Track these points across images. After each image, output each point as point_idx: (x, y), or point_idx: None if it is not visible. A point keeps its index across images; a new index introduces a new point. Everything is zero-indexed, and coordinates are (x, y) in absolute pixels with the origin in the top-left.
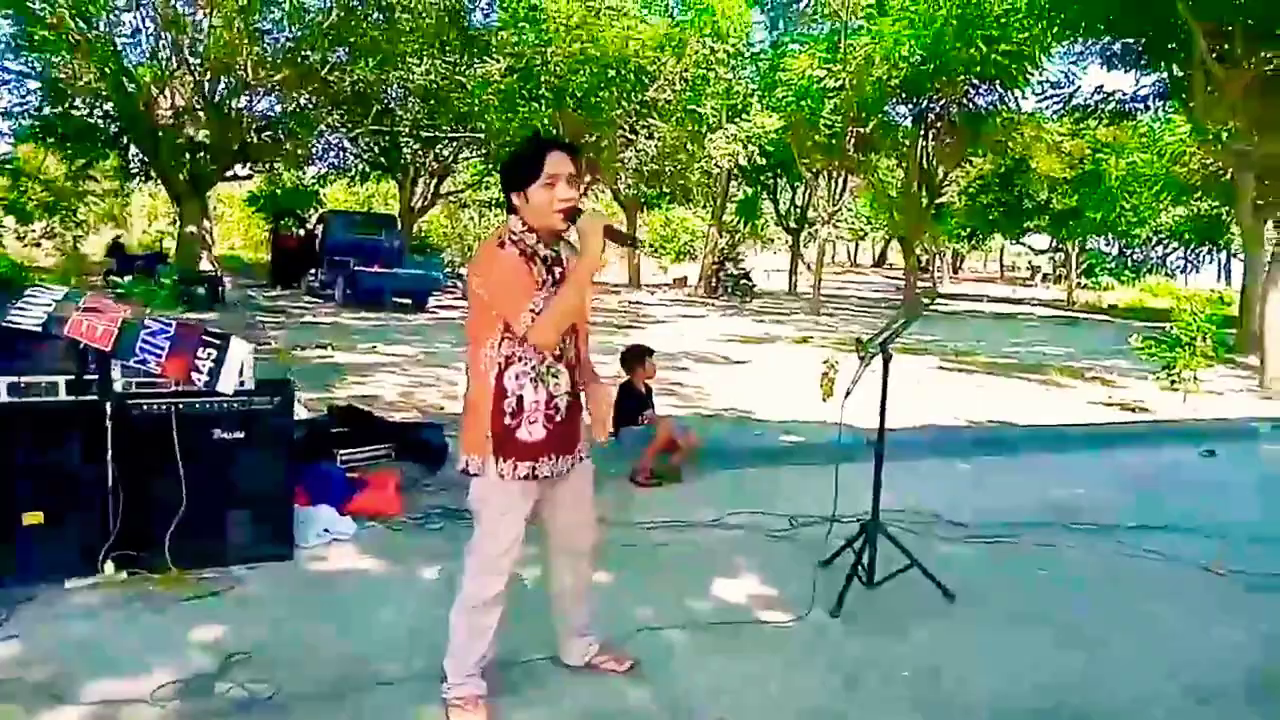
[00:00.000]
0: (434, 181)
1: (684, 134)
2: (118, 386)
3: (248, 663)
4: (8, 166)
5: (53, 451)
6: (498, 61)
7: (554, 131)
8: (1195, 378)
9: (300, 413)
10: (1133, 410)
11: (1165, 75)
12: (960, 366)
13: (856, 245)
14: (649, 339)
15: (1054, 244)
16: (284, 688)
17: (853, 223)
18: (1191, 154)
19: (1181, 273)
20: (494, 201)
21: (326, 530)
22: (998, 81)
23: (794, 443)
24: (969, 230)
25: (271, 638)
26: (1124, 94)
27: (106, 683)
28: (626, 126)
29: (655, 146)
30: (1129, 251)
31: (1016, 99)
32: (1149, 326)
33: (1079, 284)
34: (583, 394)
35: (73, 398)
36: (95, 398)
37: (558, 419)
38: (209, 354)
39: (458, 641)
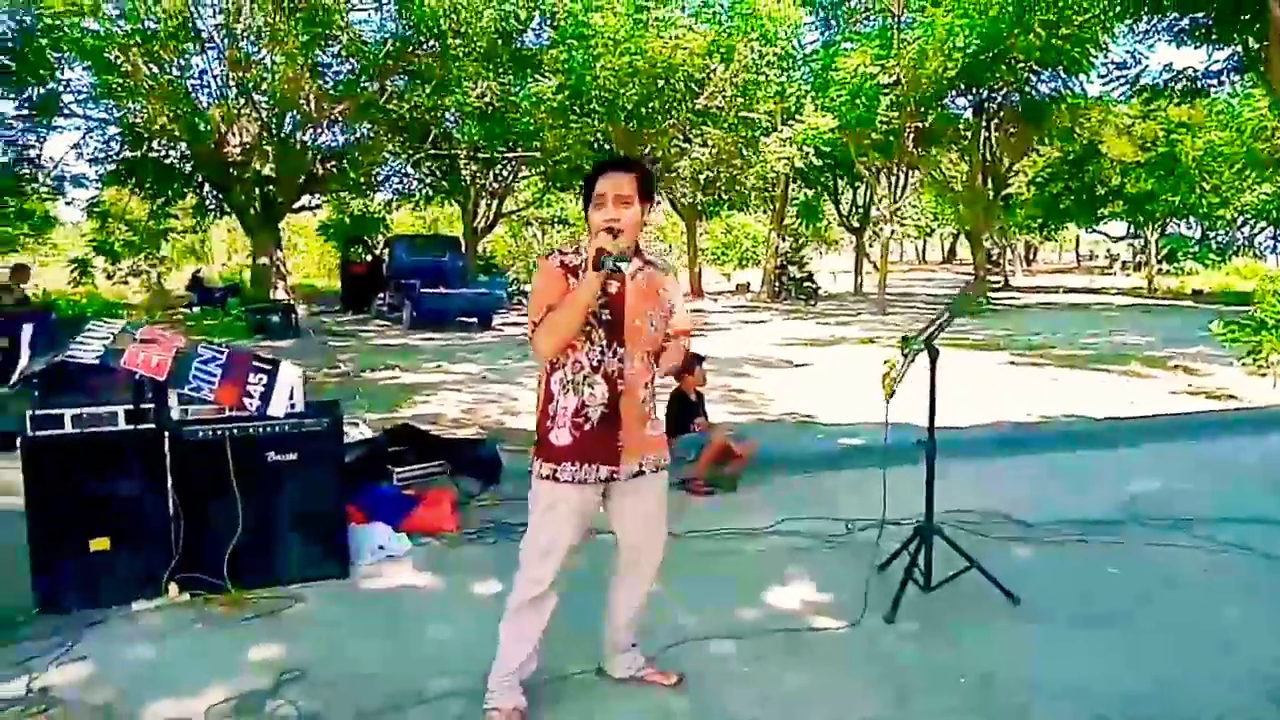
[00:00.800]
0: (495, 202)
1: (737, 140)
2: (174, 414)
3: (301, 680)
4: (96, 210)
5: (115, 479)
6: (549, 79)
7: (606, 147)
8: None
9: (363, 433)
10: (1218, 398)
11: (1239, 48)
12: (1033, 361)
13: (924, 242)
14: (711, 347)
15: (1131, 230)
16: (333, 705)
17: (918, 219)
18: (1274, 129)
19: (1272, 253)
20: (555, 219)
21: (382, 548)
22: (1060, 67)
23: (854, 445)
24: (1039, 221)
25: (324, 656)
26: (1195, 70)
27: (165, 702)
28: (680, 135)
29: (709, 154)
30: (1212, 234)
31: (1081, 83)
32: (1235, 311)
33: (1160, 270)
34: (631, 406)
35: (131, 427)
36: (152, 426)
37: (586, 427)
38: (259, 379)
39: (502, 647)
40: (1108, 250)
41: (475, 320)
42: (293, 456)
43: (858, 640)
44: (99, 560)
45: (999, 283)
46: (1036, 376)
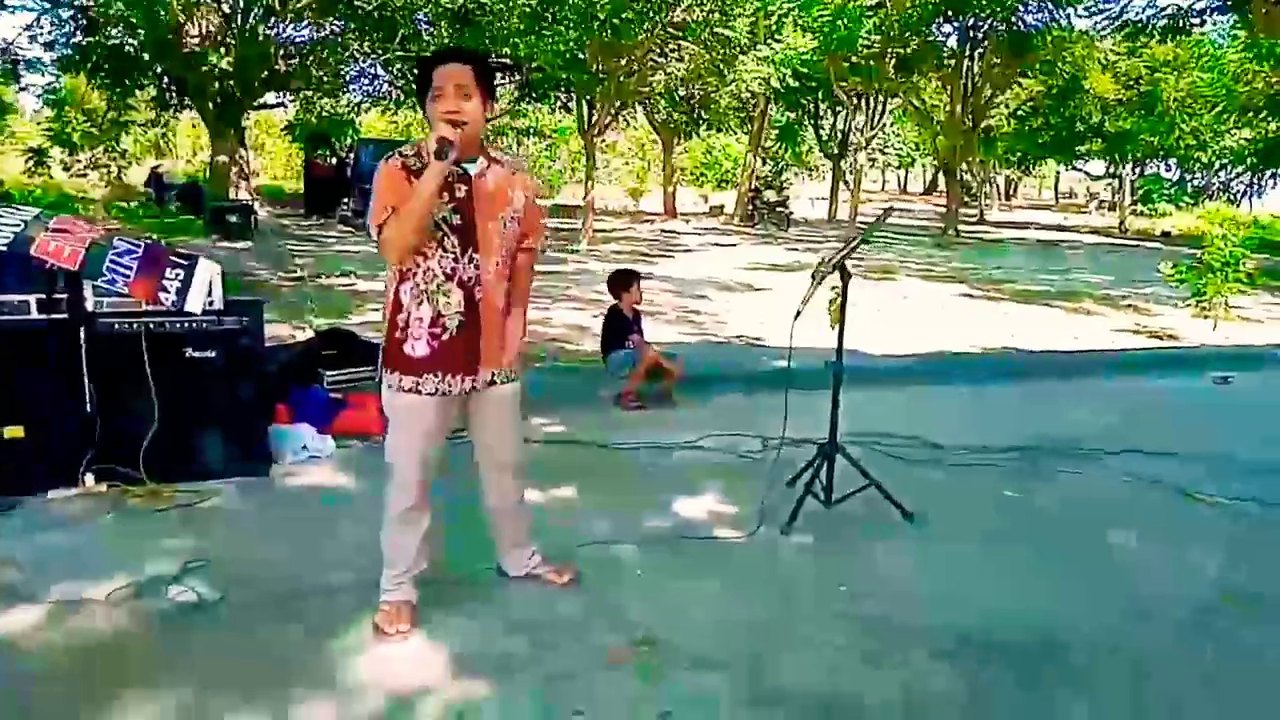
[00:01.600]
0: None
1: (714, 57)
2: (89, 306)
3: (205, 569)
4: (53, 98)
5: (30, 369)
6: None
7: (580, 56)
8: (1226, 304)
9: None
10: (1160, 338)
11: None
12: (989, 294)
13: (906, 172)
14: (676, 268)
15: (1110, 169)
16: (232, 592)
17: (899, 149)
18: (1255, 72)
19: (1245, 198)
20: (530, 130)
21: (305, 448)
22: None
23: (792, 368)
24: (1018, 155)
25: (232, 547)
26: (1179, 7)
27: (70, 584)
28: (656, 50)
29: (684, 69)
30: (1189, 176)
31: (1068, 15)
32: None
33: (1135, 210)
34: (489, 313)
35: (45, 316)
36: (65, 317)
37: (444, 337)
38: (176, 274)
39: (386, 553)
40: (1087, 188)
41: None
42: (211, 354)
43: (752, 550)
44: (13, 448)
45: (974, 217)
46: (989, 310)
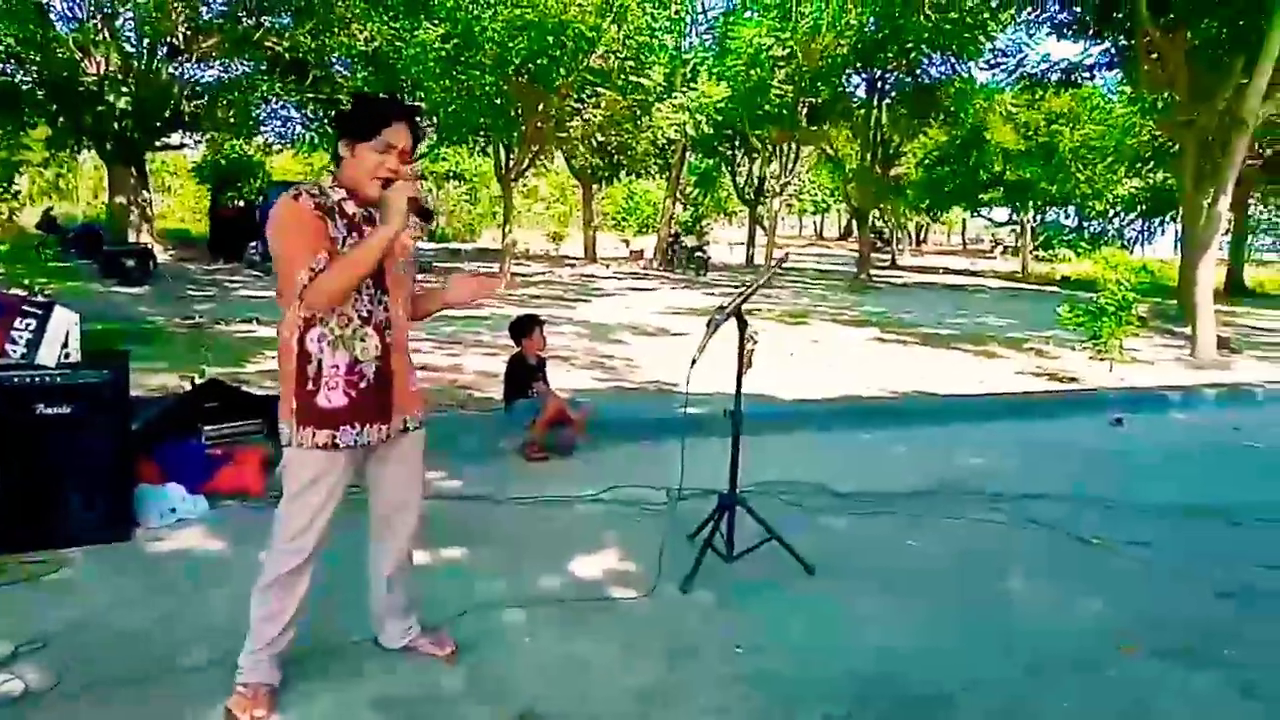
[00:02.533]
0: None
1: (630, 103)
2: None
3: (42, 651)
4: None
5: None
6: (436, 26)
7: (498, 102)
8: (1121, 347)
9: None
10: (1060, 380)
11: (1111, 44)
12: (899, 338)
13: (822, 218)
14: (593, 312)
15: (1012, 216)
16: (68, 677)
17: (814, 195)
18: (1142, 126)
19: (1138, 244)
20: (451, 173)
21: (174, 510)
22: (950, 51)
23: (696, 415)
24: (926, 203)
25: (77, 623)
26: (1070, 61)
27: None
28: (573, 95)
29: (600, 116)
30: (1086, 224)
31: (970, 69)
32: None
33: (1036, 256)
34: (400, 359)
35: None
36: None
37: (362, 385)
38: (27, 325)
39: (253, 624)
40: (992, 234)
41: None
42: (66, 410)
43: (649, 609)
44: None
45: (886, 262)
46: (898, 353)
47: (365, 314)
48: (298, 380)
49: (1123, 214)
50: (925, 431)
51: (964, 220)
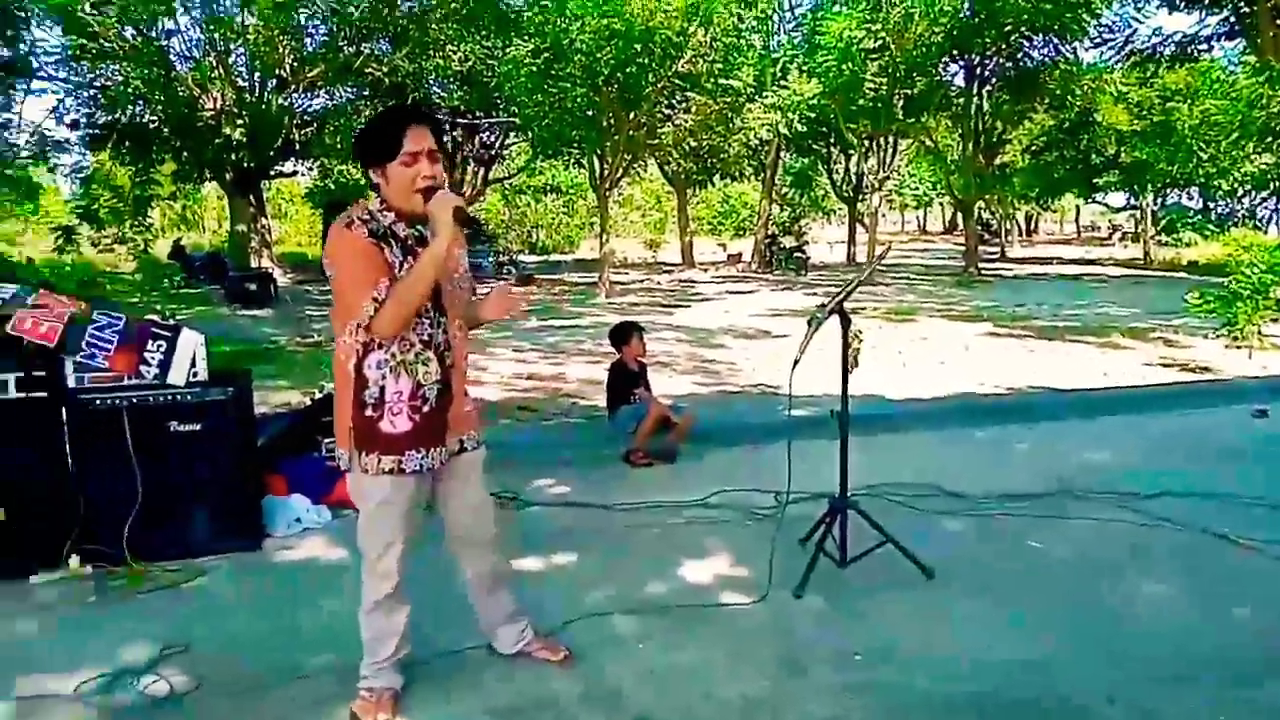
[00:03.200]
0: (481, 169)
1: (720, 105)
2: (70, 383)
3: (183, 655)
4: (80, 176)
5: (8, 448)
6: (526, 42)
7: (589, 113)
8: (1260, 333)
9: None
10: (1192, 371)
11: (1230, 13)
12: (1013, 332)
13: (925, 213)
14: (693, 317)
15: (1129, 200)
16: (209, 680)
17: (915, 189)
18: (1270, 97)
19: (1273, 224)
20: (549, 187)
21: (299, 520)
22: (1052, 32)
23: (801, 417)
24: (1035, 191)
25: (215, 629)
26: (1184, 34)
27: (38, 677)
28: (663, 102)
29: (692, 120)
30: (1212, 205)
31: (1074, 49)
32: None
33: (1158, 241)
34: (459, 380)
35: (21, 394)
36: (44, 394)
37: (425, 409)
38: (158, 346)
39: (366, 641)
40: (1109, 221)
41: None
42: (196, 426)
43: (761, 615)
44: None
45: (995, 254)
46: (1013, 348)
47: (426, 338)
48: (356, 406)
49: (1253, 192)
50: (1046, 428)
51: (1077, 207)
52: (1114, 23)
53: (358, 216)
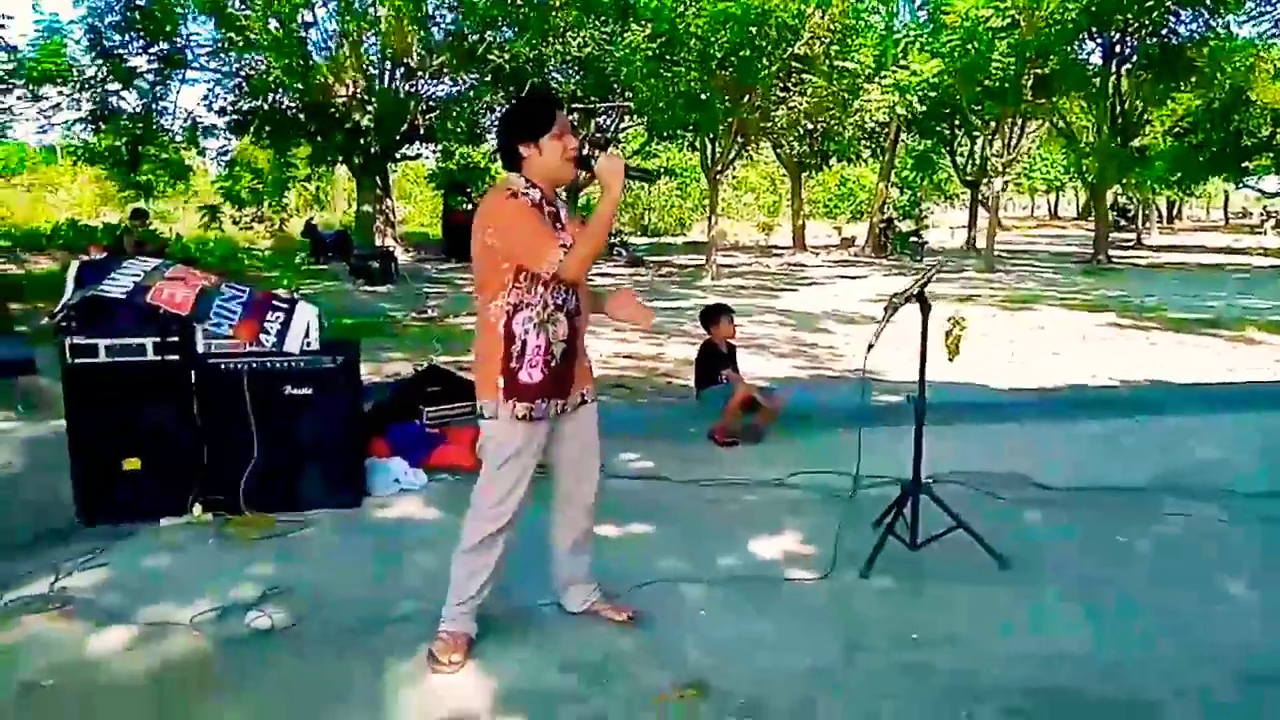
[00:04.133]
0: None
1: (837, 88)
2: (199, 348)
3: (285, 596)
4: (225, 159)
5: (146, 405)
6: (642, 27)
7: (704, 97)
8: None
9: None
10: None
11: None
12: (1138, 324)
13: (1057, 197)
14: (799, 301)
15: None
16: (307, 619)
17: (1046, 172)
18: None
19: None
20: (663, 169)
21: (397, 481)
22: (1204, 5)
23: (891, 403)
24: (1177, 175)
25: (315, 576)
26: None
27: (161, 606)
28: (778, 85)
29: (808, 103)
30: None
31: (1227, 22)
32: None
33: None
34: (581, 341)
35: (159, 358)
36: (177, 358)
37: (553, 364)
38: (277, 318)
39: (455, 581)
40: (1264, 207)
41: None
42: (308, 391)
43: (825, 592)
44: (132, 479)
45: (1130, 241)
46: (1136, 340)
47: (559, 301)
48: (504, 358)
49: None
50: (1154, 423)
51: (1225, 193)
52: None
53: (519, 189)
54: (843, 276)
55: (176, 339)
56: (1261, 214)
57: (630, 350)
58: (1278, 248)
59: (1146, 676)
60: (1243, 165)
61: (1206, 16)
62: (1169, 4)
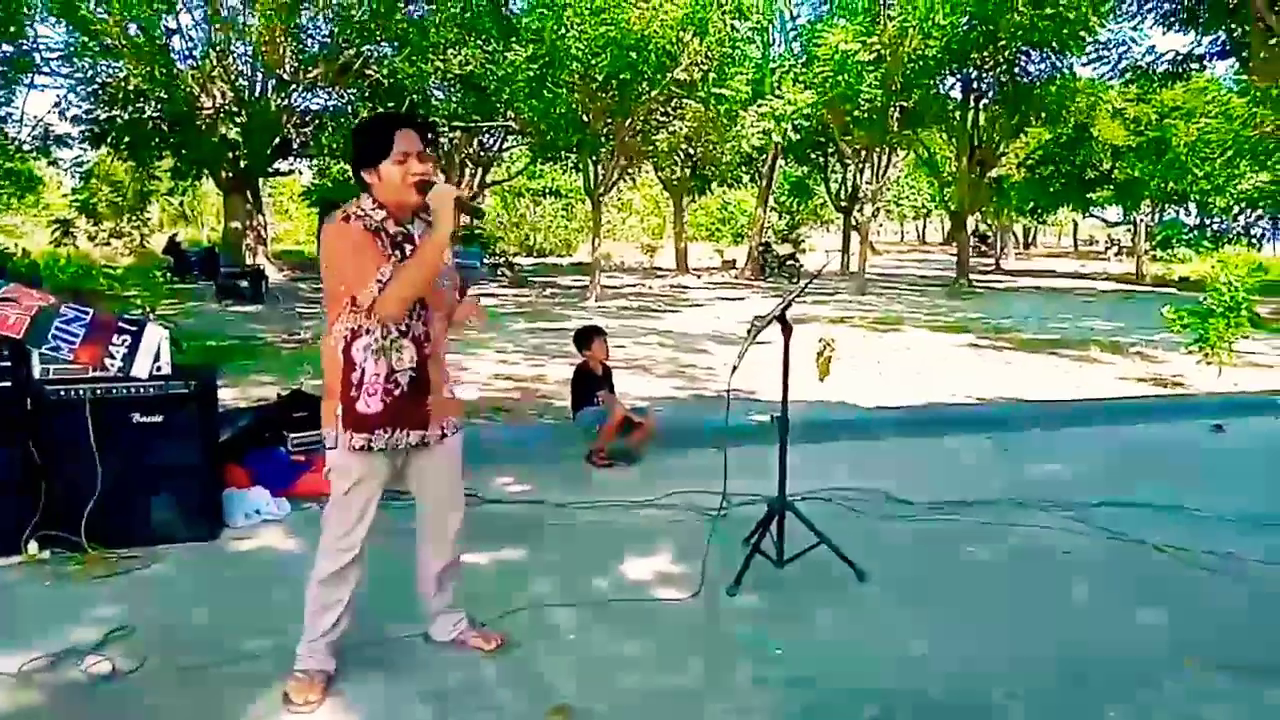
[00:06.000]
0: (480, 171)
1: (715, 113)
2: (36, 373)
3: (127, 638)
4: (80, 171)
5: None
6: (524, 48)
7: (585, 119)
8: (1230, 349)
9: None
10: (1165, 386)
11: (1224, 33)
12: (995, 344)
13: (924, 223)
14: (680, 322)
15: (1126, 216)
16: (153, 661)
17: (914, 200)
18: (1263, 117)
19: (1268, 240)
20: (547, 190)
21: (258, 511)
22: (1049, 47)
23: (763, 423)
24: (1030, 204)
25: (161, 614)
26: (1177, 53)
27: None
28: (657, 109)
29: (687, 128)
30: (1209, 221)
31: (1071, 64)
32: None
33: (1153, 257)
34: (436, 369)
35: None
36: (9, 384)
37: (397, 393)
38: (123, 340)
39: (309, 615)
40: (1108, 235)
41: None
42: (158, 418)
43: (693, 612)
44: None
45: (989, 266)
46: (992, 360)
47: (404, 327)
48: (342, 387)
49: (1248, 210)
50: (1007, 438)
51: (1074, 222)
52: (1110, 40)
53: (353, 212)
54: (723, 298)
55: (9, 364)
56: (1107, 242)
57: (510, 371)
58: (1120, 273)
59: (983, 680)
60: (1087, 196)
61: (1053, 58)
62: (1020, 45)
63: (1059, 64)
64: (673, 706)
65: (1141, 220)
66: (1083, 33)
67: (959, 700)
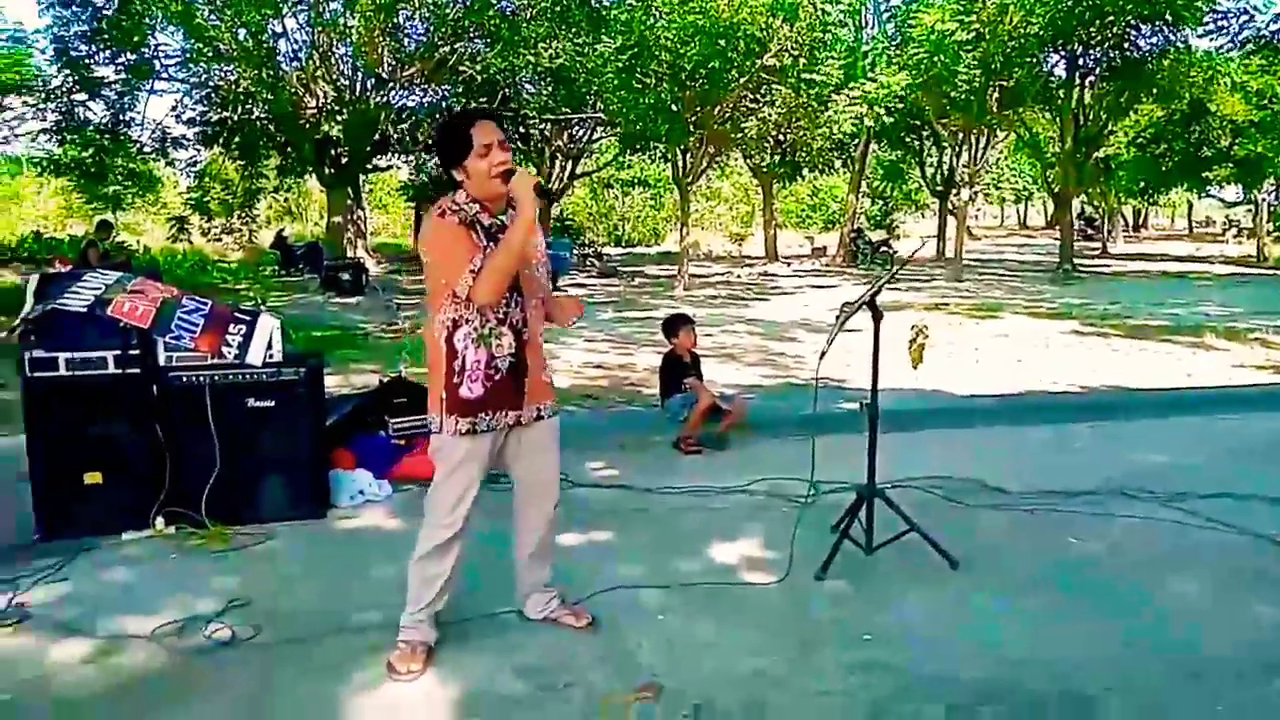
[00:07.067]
0: (570, 163)
1: (805, 99)
2: (161, 361)
3: (245, 608)
4: (194, 170)
5: (105, 419)
6: (613, 40)
7: (674, 109)
8: None
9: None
10: None
11: None
12: (1100, 331)
13: (1025, 207)
14: (768, 310)
15: (1246, 194)
16: (265, 630)
17: (1014, 182)
18: None
19: None
20: (636, 180)
21: (361, 493)
22: (1162, 19)
23: (853, 410)
24: (1141, 185)
25: (275, 587)
26: None
27: (121, 620)
28: (747, 96)
29: (776, 114)
30: None
31: (1186, 36)
32: None
33: (1276, 238)
34: (533, 354)
35: (120, 371)
36: (138, 370)
37: (497, 378)
38: (239, 329)
39: (412, 588)
40: (1226, 216)
41: None
42: (271, 403)
43: (781, 596)
44: (93, 493)
45: (1096, 250)
46: (1097, 347)
47: (502, 315)
48: (447, 374)
49: None
50: (1110, 427)
51: (1189, 202)
52: (1230, 9)
53: (448, 207)
54: (813, 286)
55: (137, 352)
56: (1224, 222)
57: (600, 360)
58: (1239, 255)
59: (1082, 672)
60: (1204, 175)
61: (1166, 31)
62: (1129, 19)
63: (1172, 37)
64: (759, 688)
65: (1264, 199)
66: (1199, 3)
67: (1054, 691)
